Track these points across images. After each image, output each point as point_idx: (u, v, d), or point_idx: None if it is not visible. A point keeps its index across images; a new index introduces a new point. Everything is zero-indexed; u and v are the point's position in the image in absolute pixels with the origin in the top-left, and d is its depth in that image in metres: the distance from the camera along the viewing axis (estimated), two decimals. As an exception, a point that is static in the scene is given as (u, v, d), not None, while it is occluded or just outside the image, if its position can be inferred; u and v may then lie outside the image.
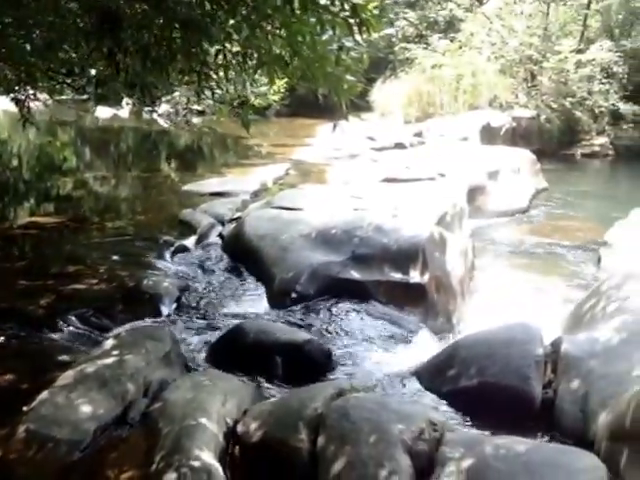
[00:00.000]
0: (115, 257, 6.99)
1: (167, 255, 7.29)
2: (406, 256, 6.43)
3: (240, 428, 4.06)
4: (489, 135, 16.31)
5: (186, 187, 10.41)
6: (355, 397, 3.89)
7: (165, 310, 6.07)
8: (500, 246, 9.24)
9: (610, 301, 5.50)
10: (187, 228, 8.16)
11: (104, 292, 6.14)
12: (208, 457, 3.79)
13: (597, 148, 18.87)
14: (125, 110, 19.14)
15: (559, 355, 4.86)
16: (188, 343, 5.39)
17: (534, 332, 5.01)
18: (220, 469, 3.80)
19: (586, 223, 10.44)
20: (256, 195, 10.17)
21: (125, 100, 12.27)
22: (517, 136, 17.30)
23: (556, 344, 4.99)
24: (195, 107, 14.55)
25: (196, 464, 3.70)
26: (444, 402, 4.61)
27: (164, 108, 13.93)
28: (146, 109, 14.21)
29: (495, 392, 4.62)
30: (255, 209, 8.21)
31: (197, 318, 5.96)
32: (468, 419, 4.35)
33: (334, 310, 6.01)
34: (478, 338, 5.20)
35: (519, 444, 3.36)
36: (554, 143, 18.29)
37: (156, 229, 8.02)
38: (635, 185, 14.57)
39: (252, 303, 6.34)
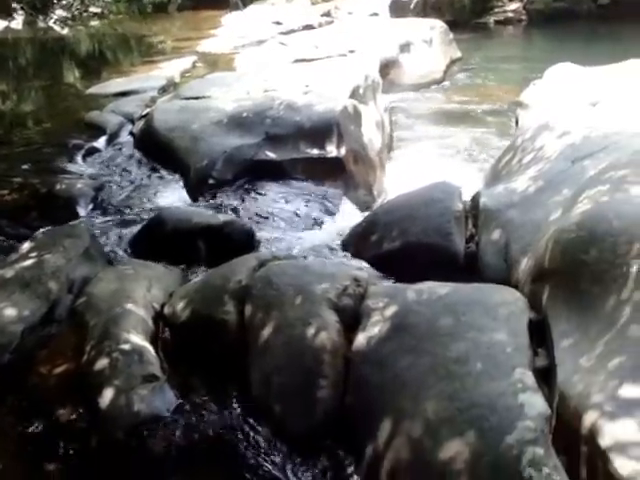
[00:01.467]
0: (25, 166, 6.89)
1: (78, 158, 7.21)
2: (321, 132, 6.47)
3: (167, 310, 4.14)
4: (399, 9, 16.26)
5: (91, 90, 10.18)
6: (277, 264, 3.98)
7: (82, 211, 6.05)
8: (418, 117, 9.34)
9: (525, 153, 5.65)
10: (96, 130, 8.03)
11: (17, 201, 6.09)
12: (138, 340, 3.87)
13: (510, 14, 18.98)
14: (18, 21, 18.43)
15: (478, 209, 4.99)
16: (108, 238, 5.40)
17: (452, 190, 5.13)
18: (152, 350, 3.88)
19: (503, 87, 10.60)
20: (164, 90, 10.02)
21: (17, 10, 11.80)
22: (428, 8, 17.27)
23: (475, 199, 5.12)
24: (92, 10, 14.07)
25: (126, 347, 3.78)
26: (369, 266, 4.70)
27: (59, 14, 13.44)
28: (40, 17, 13.67)
29: (418, 252, 4.75)
30: (163, 102, 8.11)
31: (115, 215, 5.96)
32: (393, 279, 4.45)
33: (253, 192, 6.07)
34: (398, 202, 5.31)
35: (440, 287, 3.50)
36: (466, 13, 18.30)
37: (64, 134, 7.89)
38: (549, 47, 14.77)
39: (170, 195, 6.35)
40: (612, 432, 2.74)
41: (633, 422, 2.74)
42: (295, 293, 3.67)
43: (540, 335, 3.62)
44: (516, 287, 4.13)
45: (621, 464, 2.65)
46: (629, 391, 2.85)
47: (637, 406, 2.80)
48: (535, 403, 2.78)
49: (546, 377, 3.37)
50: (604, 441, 2.73)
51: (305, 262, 4.27)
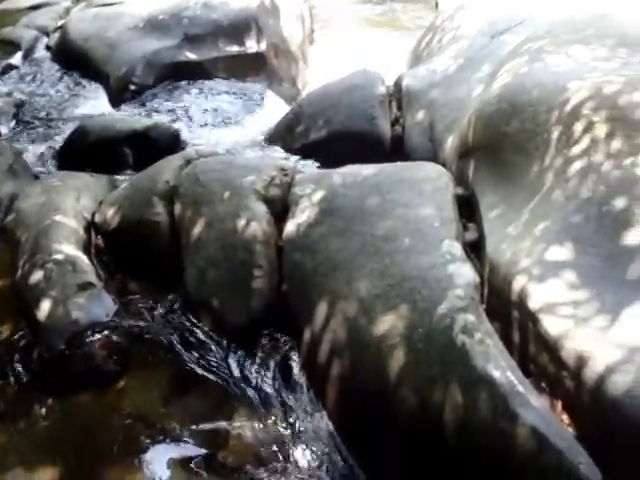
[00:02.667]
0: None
1: (-5, 77, 6.89)
2: (240, 28, 6.33)
3: (98, 218, 4.05)
4: None
5: (0, 7, 9.70)
6: (203, 162, 3.88)
7: (3, 129, 5.82)
8: (338, 9, 9.11)
9: (445, 32, 5.57)
10: (11, 46, 7.68)
11: None
12: (70, 250, 3.78)
13: None
14: None
15: (402, 91, 4.92)
16: (33, 153, 5.22)
17: (374, 75, 5.06)
18: (85, 259, 3.79)
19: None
20: (77, 0, 9.59)
21: None
22: None
23: (398, 82, 5.05)
24: None
25: (59, 258, 3.69)
26: (297, 157, 4.63)
27: None
28: None
29: (345, 139, 4.70)
30: (76, 12, 7.78)
31: (38, 129, 5.76)
32: (321, 168, 4.39)
33: (176, 94, 5.92)
34: (321, 92, 5.22)
35: (365, 169, 3.44)
36: None
37: (-23, 55, 7.53)
38: None
39: (92, 106, 6.16)
40: (540, 294, 2.76)
41: (560, 283, 2.76)
42: (223, 188, 3.60)
43: (470, 210, 3.61)
44: (443, 166, 4.10)
45: (550, 324, 2.67)
46: (555, 254, 2.86)
47: (563, 267, 2.81)
48: (464, 272, 2.77)
49: (477, 249, 3.37)
50: (533, 304, 2.75)
51: (231, 157, 4.19)
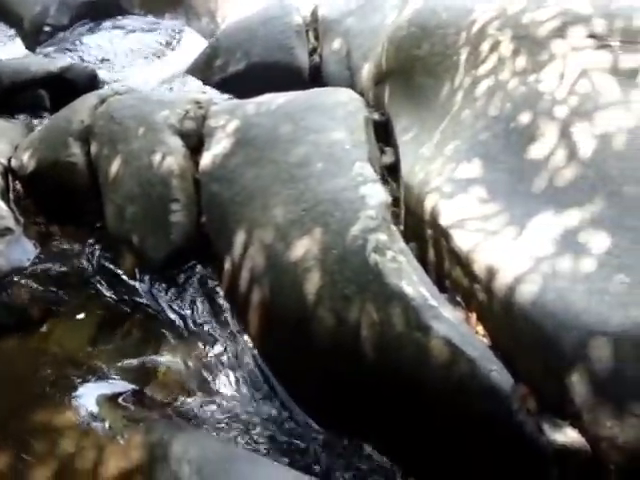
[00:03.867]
0: None
1: None
2: (154, -37, 6.14)
3: (14, 163, 3.96)
4: None
5: None
6: (117, 99, 3.81)
7: None
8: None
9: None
10: None
11: None
12: (-14, 196, 3.68)
13: None
14: None
15: (318, 21, 4.87)
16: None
17: (290, 6, 5.01)
18: (3, 205, 3.72)
19: None
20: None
21: None
22: None
23: (314, 11, 4.99)
24: None
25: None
26: (216, 91, 4.57)
27: None
28: None
29: (263, 70, 4.67)
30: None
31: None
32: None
33: (94, 33, 5.82)
34: (238, 25, 5.15)
35: (278, 97, 3.42)
36: None
37: None
38: None
39: (5, 50, 5.95)
40: (451, 211, 2.80)
41: (470, 199, 2.80)
42: (138, 124, 3.56)
43: (387, 134, 3.62)
44: (361, 94, 4.09)
45: (461, 239, 2.71)
46: (464, 171, 2.90)
47: (473, 184, 2.86)
48: (375, 193, 2.79)
49: (394, 172, 3.40)
50: (444, 221, 2.79)
51: (145, 93, 4.11)
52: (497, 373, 2.31)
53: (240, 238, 2.96)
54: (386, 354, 2.45)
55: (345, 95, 3.29)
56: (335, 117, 3.12)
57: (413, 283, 2.47)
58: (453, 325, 2.38)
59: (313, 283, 2.64)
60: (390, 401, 2.46)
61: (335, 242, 2.66)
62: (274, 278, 2.79)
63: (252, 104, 3.35)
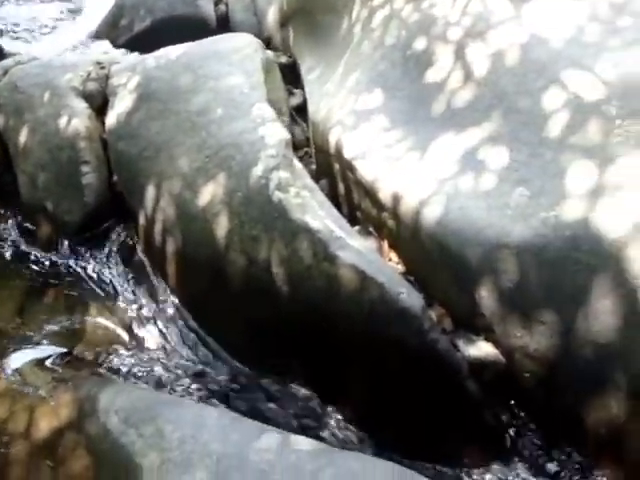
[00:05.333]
0: None
1: None
2: None
3: None
4: None
5: None
6: (19, 68, 3.73)
7: None
8: None
9: None
10: None
11: None
12: None
13: None
14: None
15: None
16: None
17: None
18: None
19: None
20: None
21: None
22: None
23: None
24: None
25: None
26: (123, 51, 4.50)
27: None
28: None
29: (169, 25, 4.66)
30: None
31: None
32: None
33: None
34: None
35: (177, 49, 3.36)
36: None
37: None
38: None
39: None
40: (354, 143, 2.81)
41: (372, 129, 2.80)
42: (42, 91, 3.49)
43: (295, 76, 3.60)
44: (269, 38, 4.06)
45: (365, 170, 2.72)
46: (365, 102, 2.90)
47: (374, 114, 2.86)
48: (274, 132, 2.77)
49: (304, 113, 3.38)
50: (348, 153, 2.80)
51: (47, 60, 4.01)
52: (406, 296, 2.33)
53: (150, 192, 2.93)
54: (298, 288, 2.46)
55: (242, 40, 3.25)
56: (233, 62, 3.09)
57: (318, 217, 2.47)
58: (360, 253, 2.39)
59: (222, 227, 2.63)
60: (306, 334, 2.48)
61: (239, 184, 2.65)
62: (185, 227, 2.78)
63: (151, 58, 3.30)
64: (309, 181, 2.66)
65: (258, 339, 2.63)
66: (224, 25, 4.46)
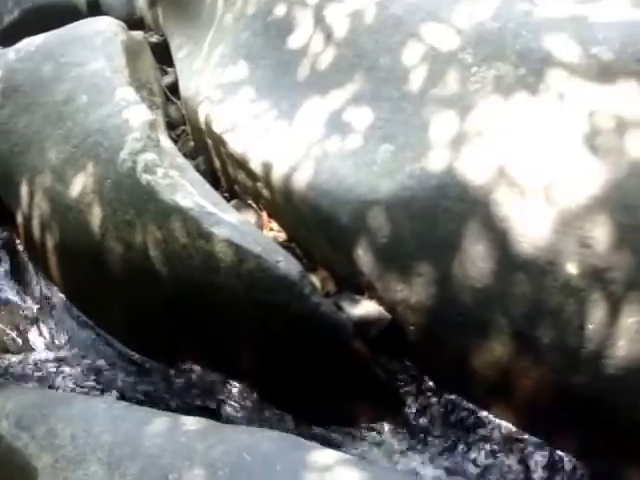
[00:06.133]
0: None
1: None
2: None
3: None
4: None
5: None
6: None
7: None
8: None
9: None
10: None
11: None
12: None
13: None
14: None
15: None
16: None
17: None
18: None
19: None
20: None
21: None
22: None
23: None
24: None
25: None
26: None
27: None
28: None
29: (38, 14, 4.51)
30: None
31: None
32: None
33: None
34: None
35: (37, 39, 3.19)
36: None
37: None
38: None
39: None
40: (222, 117, 2.78)
41: (239, 101, 2.77)
42: None
43: (168, 55, 3.54)
44: (141, 21, 3.98)
45: (235, 142, 2.69)
46: (231, 75, 2.87)
47: (240, 86, 2.83)
48: (138, 115, 2.71)
49: (178, 92, 3.33)
50: (217, 127, 2.76)
51: None
52: (284, 263, 2.31)
53: (25, 189, 2.86)
54: (177, 268, 2.43)
55: (102, 23, 3.17)
56: (94, 47, 3.01)
57: (189, 195, 2.43)
58: (234, 227, 2.36)
59: (96, 216, 2.58)
60: (191, 312, 2.45)
61: (108, 171, 2.60)
62: (61, 221, 2.71)
63: (12, 51, 3.19)
64: (180, 160, 2.62)
65: (146, 324, 2.61)
66: (95, 9, 4.35)
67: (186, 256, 2.39)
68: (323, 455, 1.87)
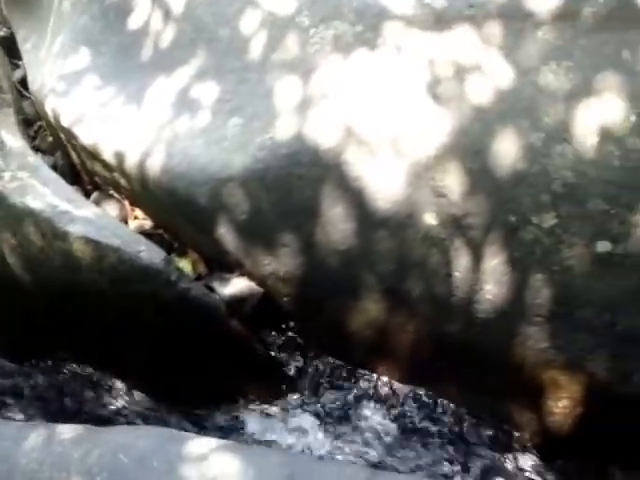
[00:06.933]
0: None
1: None
2: None
3: None
4: None
5: None
6: None
7: None
8: None
9: None
10: None
11: None
12: None
13: None
14: None
15: None
16: None
17: None
18: None
19: None
20: None
21: None
22: None
23: None
24: None
25: None
26: None
27: None
28: None
29: None
30: None
31: None
32: None
33: None
34: None
35: None
36: None
37: None
38: None
39: None
40: (69, 109, 2.68)
41: (84, 91, 2.67)
42: None
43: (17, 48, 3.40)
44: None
45: (85, 134, 2.61)
46: (73, 64, 2.78)
47: (83, 74, 2.73)
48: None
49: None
50: (66, 120, 2.66)
51: None
52: (146, 253, 2.26)
53: None
54: (38, 272, 2.35)
55: None
56: None
57: (39, 196, 2.34)
58: (91, 222, 2.29)
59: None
60: (61, 315, 2.38)
61: None
62: None
63: None
64: (31, 159, 2.53)
65: (24, 334, 2.51)
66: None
67: (45, 259, 2.31)
68: (198, 444, 1.84)
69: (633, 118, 1.95)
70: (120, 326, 2.35)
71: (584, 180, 1.96)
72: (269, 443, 2.25)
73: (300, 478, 1.74)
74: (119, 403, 2.42)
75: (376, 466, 2.12)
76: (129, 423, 2.28)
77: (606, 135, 1.95)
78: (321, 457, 2.15)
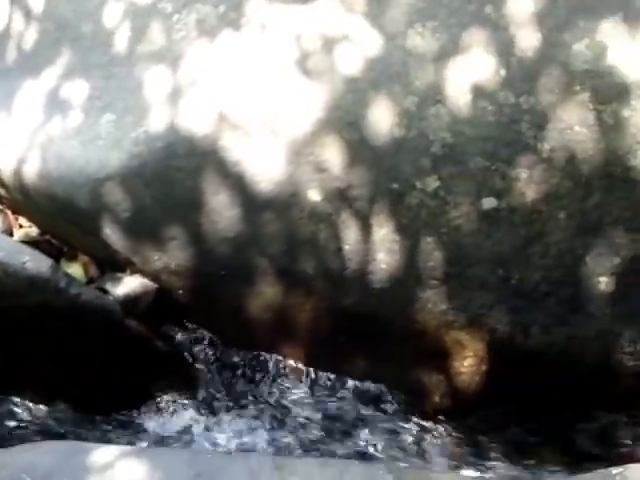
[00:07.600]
0: None
1: None
2: None
3: None
4: None
5: None
6: None
7: None
8: None
9: None
10: None
11: None
12: None
13: None
14: None
15: None
16: None
17: None
18: None
19: None
20: None
21: None
22: None
23: None
24: None
25: None
26: None
27: None
28: None
29: None
30: None
31: None
32: None
33: None
34: None
35: None
36: None
37: None
38: None
39: None
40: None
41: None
42: None
43: None
44: None
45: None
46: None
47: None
48: None
49: None
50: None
51: None
52: (31, 262, 2.18)
53: None
54: None
55: None
56: None
57: None
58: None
59: None
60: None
61: None
62: None
63: None
64: None
65: None
66: None
67: None
68: (103, 453, 1.79)
69: (503, 72, 1.93)
70: (16, 340, 2.26)
71: (462, 139, 1.95)
72: (179, 440, 2.20)
73: (207, 477, 1.70)
74: (20, 420, 2.33)
75: (286, 453, 2.08)
76: (32, 440, 2.18)
77: (478, 92, 1.95)
78: (229, 452, 2.11)
